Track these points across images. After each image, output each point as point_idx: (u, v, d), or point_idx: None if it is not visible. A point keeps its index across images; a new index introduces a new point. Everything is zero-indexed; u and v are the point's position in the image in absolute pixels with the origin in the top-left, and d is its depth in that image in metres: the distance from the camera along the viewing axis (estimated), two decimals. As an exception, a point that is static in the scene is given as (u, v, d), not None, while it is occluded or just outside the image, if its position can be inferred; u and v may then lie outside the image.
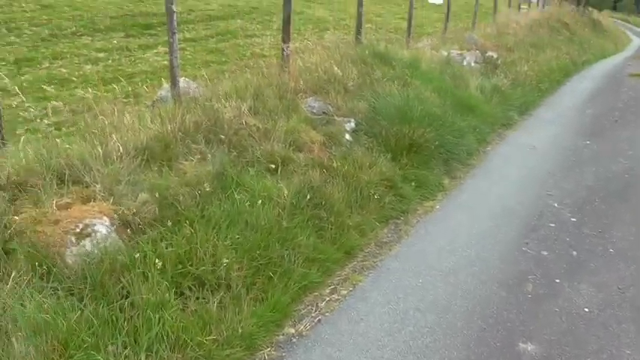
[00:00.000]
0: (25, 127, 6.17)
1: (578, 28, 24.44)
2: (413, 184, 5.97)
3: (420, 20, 20.52)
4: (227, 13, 17.55)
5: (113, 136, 4.61)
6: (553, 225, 5.46)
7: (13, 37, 12.10)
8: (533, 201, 6.12)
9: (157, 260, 3.52)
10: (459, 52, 11.75)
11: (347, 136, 6.22)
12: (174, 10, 5.99)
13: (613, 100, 12.43)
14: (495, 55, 12.40)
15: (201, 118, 5.28)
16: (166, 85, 6.58)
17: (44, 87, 7.94)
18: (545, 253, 4.86)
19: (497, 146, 8.24)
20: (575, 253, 4.89)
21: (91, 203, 3.95)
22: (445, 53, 11.18)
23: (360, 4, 9.55)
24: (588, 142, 8.61)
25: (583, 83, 14.93)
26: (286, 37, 7.40)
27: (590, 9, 34.90)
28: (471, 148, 7.51)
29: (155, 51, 11.92)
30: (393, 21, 20.04)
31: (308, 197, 4.73)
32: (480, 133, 8.20)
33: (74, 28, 13.46)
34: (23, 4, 14.90)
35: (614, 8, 63.65)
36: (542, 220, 5.57)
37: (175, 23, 6.04)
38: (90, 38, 12.86)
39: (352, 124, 6.44)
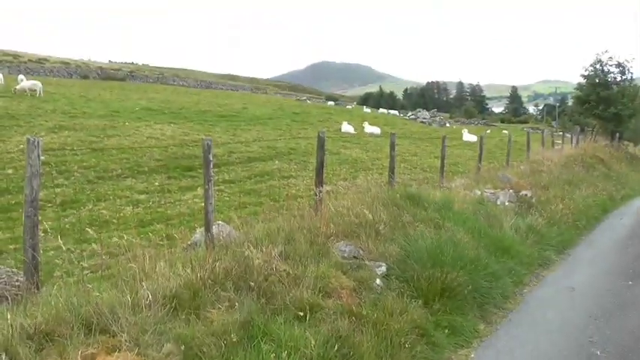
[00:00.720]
0: (63, 271, 6.35)
1: (613, 163, 24.47)
2: (446, 330, 5.79)
3: (454, 158, 21.05)
4: (266, 155, 18.32)
5: (143, 283, 4.71)
6: (596, 377, 5.16)
7: (62, 180, 12.79)
8: (574, 349, 5.83)
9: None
10: (492, 191, 11.85)
11: (377, 281, 6.17)
12: (211, 159, 6.32)
13: (656, 237, 12.14)
14: (529, 194, 12.43)
15: (231, 265, 5.36)
16: (200, 230, 6.77)
17: (84, 230, 8.23)
18: (588, 410, 4.55)
19: (534, 288, 8.01)
20: (621, 410, 4.57)
21: (116, 354, 3.95)
22: (478, 192, 11.28)
23: (392, 148, 9.90)
24: (631, 283, 8.31)
25: (622, 219, 14.66)
26: (319, 182, 7.65)
27: (625, 143, 35.10)
28: (506, 291, 7.32)
29: (194, 193, 12.38)
30: (428, 160, 20.60)
31: (336, 348, 4.61)
32: (516, 274, 8.02)
33: (120, 171, 14.20)
34: (75, 148, 15.86)
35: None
36: (584, 372, 5.28)
37: (212, 171, 6.35)
38: (133, 180, 13.50)
39: (383, 269, 6.42)
